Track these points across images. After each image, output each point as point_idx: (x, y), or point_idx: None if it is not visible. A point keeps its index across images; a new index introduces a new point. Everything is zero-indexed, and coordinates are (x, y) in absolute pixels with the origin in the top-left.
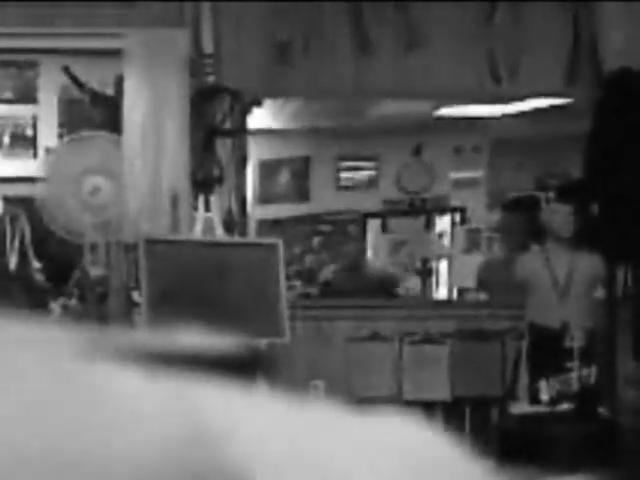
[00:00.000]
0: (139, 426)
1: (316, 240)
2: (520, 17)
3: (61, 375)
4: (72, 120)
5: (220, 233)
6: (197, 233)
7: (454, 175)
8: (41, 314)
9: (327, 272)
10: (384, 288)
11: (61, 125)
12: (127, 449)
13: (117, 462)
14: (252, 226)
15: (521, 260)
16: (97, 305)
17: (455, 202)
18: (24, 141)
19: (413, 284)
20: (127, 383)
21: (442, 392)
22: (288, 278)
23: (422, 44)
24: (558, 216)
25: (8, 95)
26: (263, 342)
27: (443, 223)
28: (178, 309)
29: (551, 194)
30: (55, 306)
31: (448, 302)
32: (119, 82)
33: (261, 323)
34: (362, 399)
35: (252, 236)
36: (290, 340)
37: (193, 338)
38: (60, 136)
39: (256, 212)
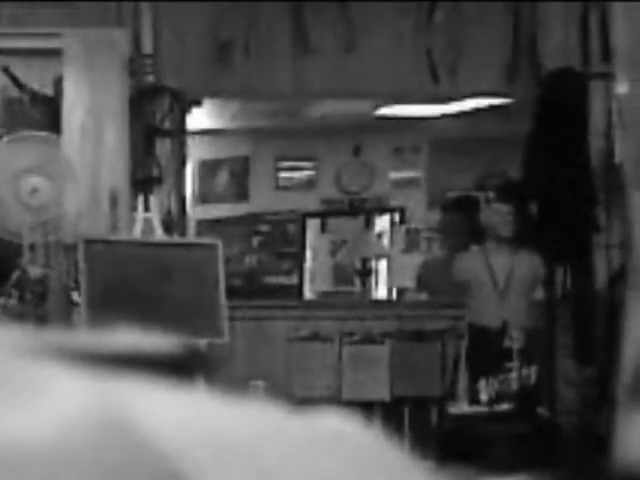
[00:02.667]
0: (66, 425)
1: (255, 240)
2: (459, 17)
3: None
4: (11, 120)
5: (159, 233)
6: (136, 233)
7: (393, 175)
8: None
9: None
10: None
11: (0, 125)
12: (50, 448)
13: (39, 455)
14: (191, 226)
15: (461, 260)
16: (36, 305)
17: (394, 202)
18: None
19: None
20: (58, 382)
21: (381, 392)
22: (227, 278)
23: (361, 44)
24: (497, 216)
25: None
26: (202, 342)
27: (382, 223)
28: (117, 309)
29: (491, 194)
30: None
31: (387, 302)
32: (58, 82)
33: (200, 323)
34: (301, 399)
35: (191, 236)
36: (229, 340)
37: (132, 338)
38: None
39: (195, 212)
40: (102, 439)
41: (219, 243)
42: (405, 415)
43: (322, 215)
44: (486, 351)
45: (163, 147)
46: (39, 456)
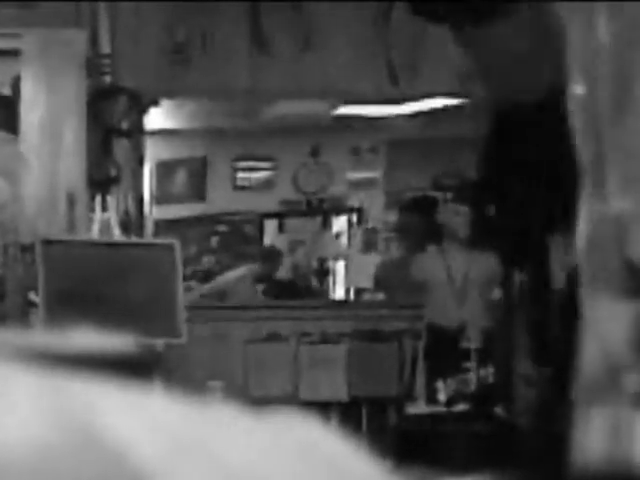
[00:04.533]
0: (24, 425)
1: (213, 240)
2: (417, 17)
3: None
4: None
5: (117, 233)
6: (94, 233)
7: (351, 175)
8: None
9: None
10: None
11: None
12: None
13: None
14: (149, 226)
15: (418, 260)
16: None
17: (352, 202)
18: None
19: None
20: (16, 382)
21: (339, 392)
22: (185, 278)
23: (319, 44)
24: (455, 216)
25: None
26: (160, 342)
27: (340, 223)
28: (75, 309)
29: (448, 194)
30: None
31: (345, 302)
32: (16, 82)
33: (158, 323)
34: (259, 399)
35: (149, 236)
36: (187, 340)
37: (90, 338)
38: None
39: (153, 212)
40: (61, 440)
41: (177, 243)
42: (363, 415)
43: (280, 215)
44: (444, 351)
45: (121, 147)
46: None
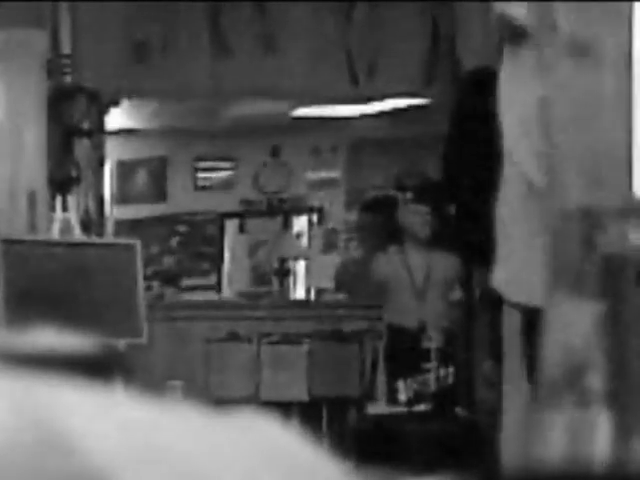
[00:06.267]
0: None
1: (174, 240)
2: (378, 17)
3: None
4: None
5: (78, 233)
6: (54, 233)
7: (312, 175)
8: None
9: None
10: None
11: None
12: None
13: None
14: (110, 226)
15: (379, 260)
16: None
17: (313, 202)
18: None
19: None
20: None
21: (299, 392)
22: (146, 278)
23: (280, 44)
24: (416, 216)
25: None
26: (121, 342)
27: (301, 223)
28: (35, 309)
29: (409, 194)
30: None
31: (306, 302)
32: None
33: (119, 323)
34: (219, 399)
35: (110, 236)
36: (148, 340)
37: (50, 338)
38: None
39: (114, 212)
40: (23, 440)
41: (137, 243)
42: (323, 415)
43: (240, 215)
44: (404, 351)
45: (81, 147)
46: None
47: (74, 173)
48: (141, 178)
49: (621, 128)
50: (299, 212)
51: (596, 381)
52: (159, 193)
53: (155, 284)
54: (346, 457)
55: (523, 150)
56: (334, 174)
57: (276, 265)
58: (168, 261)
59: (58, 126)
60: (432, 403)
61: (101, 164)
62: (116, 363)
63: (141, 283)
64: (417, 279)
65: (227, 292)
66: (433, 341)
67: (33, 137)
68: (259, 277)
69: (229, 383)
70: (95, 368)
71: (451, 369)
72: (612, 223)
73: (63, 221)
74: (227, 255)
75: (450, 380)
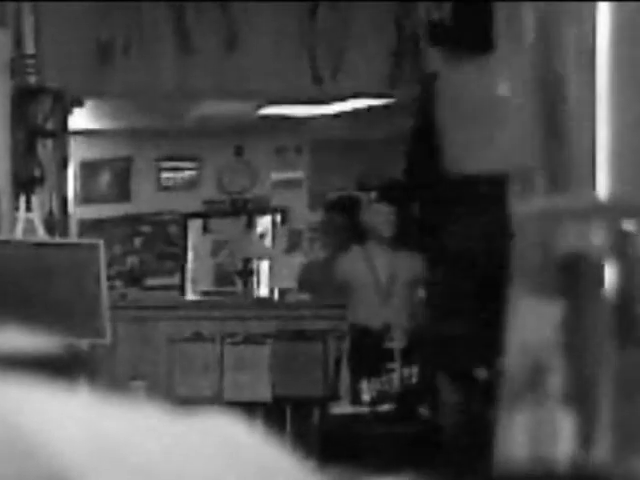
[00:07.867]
0: None
1: (137, 240)
2: (342, 17)
3: None
4: None
5: (41, 233)
6: (18, 233)
7: (275, 175)
8: None
9: None
10: None
11: None
12: None
13: None
14: (73, 226)
15: (342, 260)
16: None
17: (276, 202)
18: None
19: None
20: None
21: (263, 392)
22: (109, 278)
23: (243, 44)
24: (379, 216)
25: None
26: (84, 343)
27: (264, 223)
28: None
29: (372, 194)
30: None
31: (269, 302)
32: None
33: (82, 324)
34: (183, 399)
35: (73, 236)
36: (111, 340)
37: (14, 338)
38: None
39: (77, 212)
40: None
41: (101, 243)
42: (287, 415)
43: (204, 216)
44: (368, 352)
45: (45, 147)
46: None
47: (38, 173)
48: (105, 178)
49: (584, 127)
50: (263, 212)
51: (557, 381)
52: (123, 193)
53: (118, 284)
54: (309, 457)
55: None
56: (298, 174)
57: (240, 265)
58: (132, 261)
59: (22, 126)
60: (395, 403)
61: (65, 164)
62: (79, 363)
63: (104, 283)
64: (381, 279)
65: (190, 292)
66: (396, 341)
67: None
68: (223, 277)
69: (192, 383)
70: (58, 368)
71: (414, 369)
72: (572, 223)
73: (27, 221)
74: (190, 255)
75: (413, 380)
